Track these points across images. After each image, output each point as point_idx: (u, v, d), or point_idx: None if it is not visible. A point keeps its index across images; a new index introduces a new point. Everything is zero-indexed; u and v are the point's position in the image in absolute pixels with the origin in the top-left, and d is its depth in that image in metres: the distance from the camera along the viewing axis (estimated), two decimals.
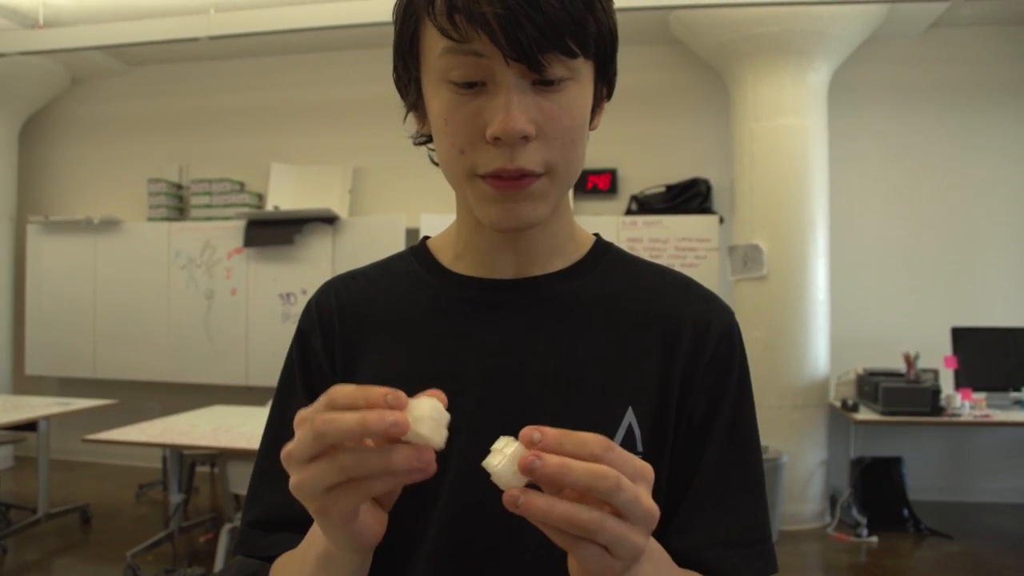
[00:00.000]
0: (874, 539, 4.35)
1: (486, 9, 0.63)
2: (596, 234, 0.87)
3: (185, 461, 4.19)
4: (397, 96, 0.78)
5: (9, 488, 5.23)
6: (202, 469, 5.19)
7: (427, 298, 0.81)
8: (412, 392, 0.53)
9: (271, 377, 0.83)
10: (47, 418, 4.33)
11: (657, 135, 5.50)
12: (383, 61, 0.76)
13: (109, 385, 5.84)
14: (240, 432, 3.68)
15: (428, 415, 0.51)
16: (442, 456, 0.62)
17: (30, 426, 4.34)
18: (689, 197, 5.24)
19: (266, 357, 5.46)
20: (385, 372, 0.77)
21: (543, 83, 0.66)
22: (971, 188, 5.18)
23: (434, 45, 0.68)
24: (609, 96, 0.77)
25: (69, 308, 5.94)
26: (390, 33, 0.75)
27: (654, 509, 0.53)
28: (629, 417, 0.74)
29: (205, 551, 4.04)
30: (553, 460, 0.50)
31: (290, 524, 0.75)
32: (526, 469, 0.50)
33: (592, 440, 0.51)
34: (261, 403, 4.69)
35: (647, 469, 0.54)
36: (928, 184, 5.22)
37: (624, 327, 0.79)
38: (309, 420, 0.52)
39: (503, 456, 0.52)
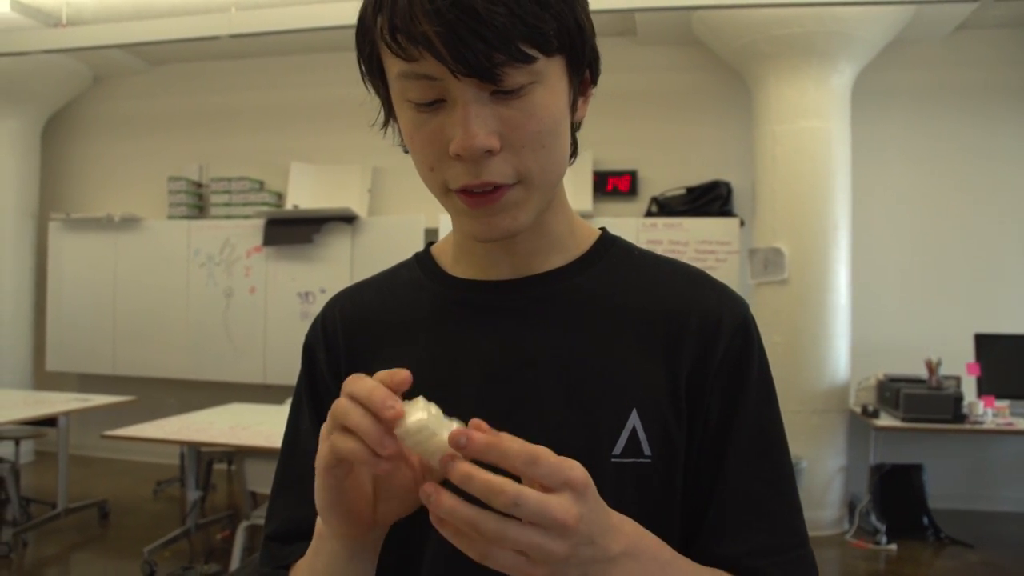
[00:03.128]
0: (893, 547, 4.30)
1: (426, 28, 0.60)
2: (602, 228, 0.84)
3: (202, 458, 4.22)
4: None
5: (29, 483, 5.27)
6: (219, 466, 5.22)
7: (427, 303, 0.80)
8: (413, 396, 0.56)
9: (289, 375, 0.82)
10: (67, 414, 4.37)
11: (678, 137, 5.46)
12: None
13: (128, 382, 5.89)
14: (257, 430, 3.69)
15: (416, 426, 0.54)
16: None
17: (50, 422, 4.38)
18: (710, 199, 5.20)
19: (284, 355, 5.47)
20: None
21: (503, 92, 0.63)
22: (996, 193, 5.11)
23: (391, 66, 0.67)
24: (594, 82, 0.74)
25: (89, 305, 5.99)
26: None
27: (568, 518, 0.51)
28: (633, 420, 0.71)
29: (222, 548, 4.06)
30: (462, 467, 0.51)
31: (306, 535, 0.75)
32: (441, 465, 0.52)
33: (517, 453, 0.51)
34: (278, 401, 4.70)
35: (578, 480, 0.53)
36: (952, 189, 5.15)
37: (627, 325, 0.75)
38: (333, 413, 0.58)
39: (424, 423, 0.54)
